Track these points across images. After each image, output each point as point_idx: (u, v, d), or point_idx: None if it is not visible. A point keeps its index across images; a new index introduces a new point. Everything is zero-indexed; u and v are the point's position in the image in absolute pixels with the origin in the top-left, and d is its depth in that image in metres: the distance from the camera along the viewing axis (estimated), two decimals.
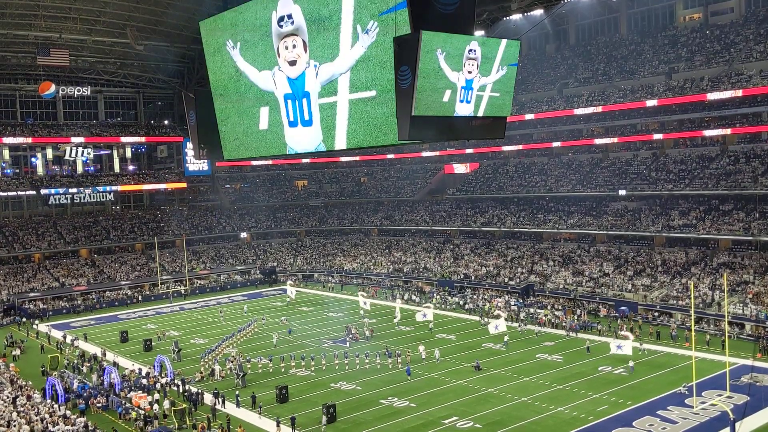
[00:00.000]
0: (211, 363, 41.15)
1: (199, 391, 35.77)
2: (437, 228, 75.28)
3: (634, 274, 54.65)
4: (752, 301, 45.38)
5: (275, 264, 77.95)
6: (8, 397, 31.78)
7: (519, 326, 48.28)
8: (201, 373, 39.35)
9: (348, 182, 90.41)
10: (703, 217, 55.21)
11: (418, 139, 9.67)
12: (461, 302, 57.87)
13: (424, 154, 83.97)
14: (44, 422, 28.06)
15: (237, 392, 35.31)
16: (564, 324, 47.81)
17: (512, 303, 55.28)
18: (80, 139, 74.35)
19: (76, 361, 42.80)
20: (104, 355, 44.86)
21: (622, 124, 65.00)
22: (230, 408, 33.68)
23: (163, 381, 37.83)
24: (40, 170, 74.39)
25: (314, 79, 11.23)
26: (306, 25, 11.13)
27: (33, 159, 74.88)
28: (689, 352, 36.43)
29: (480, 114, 10.18)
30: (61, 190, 72.46)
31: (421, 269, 69.03)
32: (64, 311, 62.68)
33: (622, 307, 50.38)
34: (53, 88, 63.91)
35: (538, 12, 56.64)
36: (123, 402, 34.25)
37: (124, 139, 77.69)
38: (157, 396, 35.06)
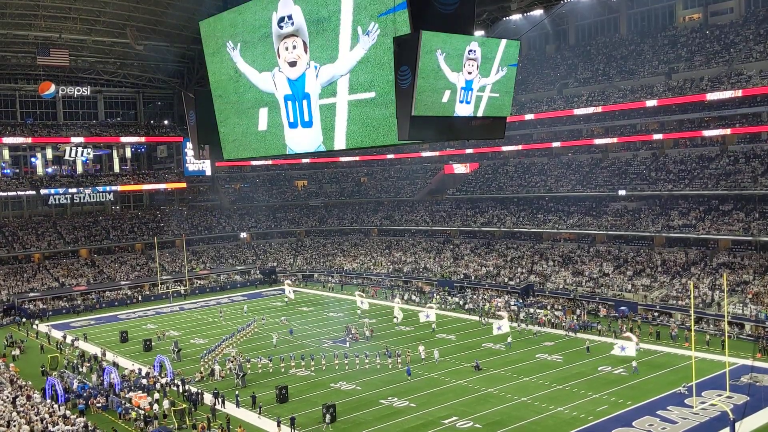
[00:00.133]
0: (210, 363, 41.15)
1: (199, 391, 35.77)
2: (437, 228, 75.29)
3: (634, 274, 54.66)
4: (752, 301, 45.39)
5: (275, 264, 77.96)
6: (8, 397, 31.77)
7: (518, 326, 48.29)
8: (201, 373, 39.36)
9: (348, 182, 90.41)
10: (703, 218, 55.22)
11: (418, 140, 9.68)
12: (461, 302, 57.89)
13: (424, 154, 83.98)
14: (44, 422, 28.05)
15: (237, 392, 35.31)
16: (563, 324, 47.83)
17: (512, 303, 55.29)
18: (80, 139, 74.36)
19: (75, 361, 42.80)
20: (104, 355, 44.86)
21: (622, 125, 65.02)
22: (230, 408, 33.68)
23: (163, 381, 37.83)
24: (39, 170, 74.38)
25: (314, 80, 11.23)
26: (306, 25, 11.13)
27: (33, 159, 74.87)
28: (689, 352, 36.44)
29: (480, 114, 10.18)
30: (60, 190, 72.46)
31: (421, 269, 69.04)
32: (64, 311, 62.69)
33: (622, 307, 50.39)
34: (53, 88, 63.95)
35: (538, 12, 56.65)
36: (123, 402, 34.25)
37: (123, 139, 77.69)
38: (156, 396, 35.07)
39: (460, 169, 79.17)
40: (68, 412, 30.91)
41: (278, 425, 30.15)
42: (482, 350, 42.97)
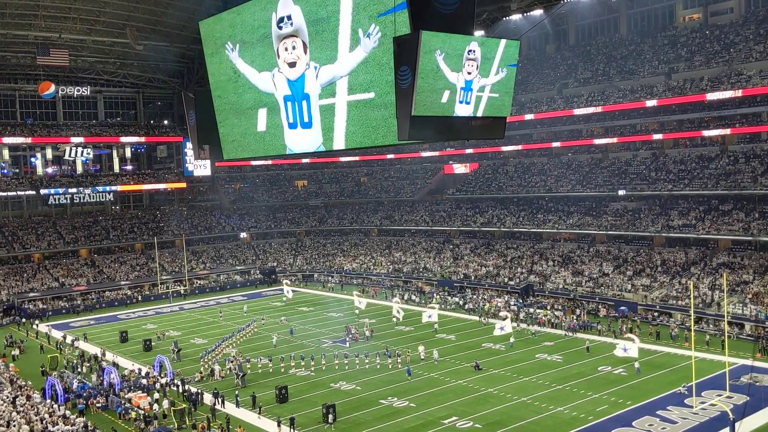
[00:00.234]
0: (210, 363, 41.15)
1: (199, 391, 35.77)
2: (437, 228, 75.29)
3: (634, 274, 54.65)
4: (752, 301, 45.38)
5: (275, 264, 77.95)
6: (8, 397, 31.76)
7: (517, 326, 48.27)
8: (201, 373, 39.35)
9: (348, 182, 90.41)
10: (703, 217, 55.22)
11: (417, 140, 9.68)
12: (461, 302, 57.88)
13: (424, 154, 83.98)
14: (44, 422, 28.05)
15: (237, 392, 35.31)
16: (563, 324, 47.83)
17: (512, 303, 55.29)
18: (80, 139, 74.36)
19: (75, 361, 42.80)
20: (104, 355, 44.84)
21: (622, 125, 65.02)
22: (230, 408, 33.67)
23: (163, 381, 37.82)
24: (39, 170, 74.38)
25: (314, 81, 11.21)
26: (305, 26, 11.11)
27: (32, 159, 74.87)
28: (689, 352, 36.44)
29: (479, 114, 10.18)
30: (60, 190, 72.45)
31: (421, 269, 69.04)
32: (64, 311, 62.68)
33: (622, 307, 50.39)
34: (53, 88, 63.97)
35: (538, 12, 56.63)
36: (122, 402, 34.24)
37: (123, 139, 77.69)
38: (156, 396, 35.07)
39: (460, 169, 79.18)
40: (68, 412, 30.90)
41: (278, 425, 30.15)
42: (482, 350, 42.96)
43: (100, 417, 33.15)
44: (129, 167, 79.82)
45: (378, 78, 10.06)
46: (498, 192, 72.94)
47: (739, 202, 54.64)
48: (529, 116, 70.16)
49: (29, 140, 72.29)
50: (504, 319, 44.21)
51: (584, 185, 65.32)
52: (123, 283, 68.76)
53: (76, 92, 74.93)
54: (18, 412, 29.09)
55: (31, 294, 63.47)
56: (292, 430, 30.15)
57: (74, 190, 73.15)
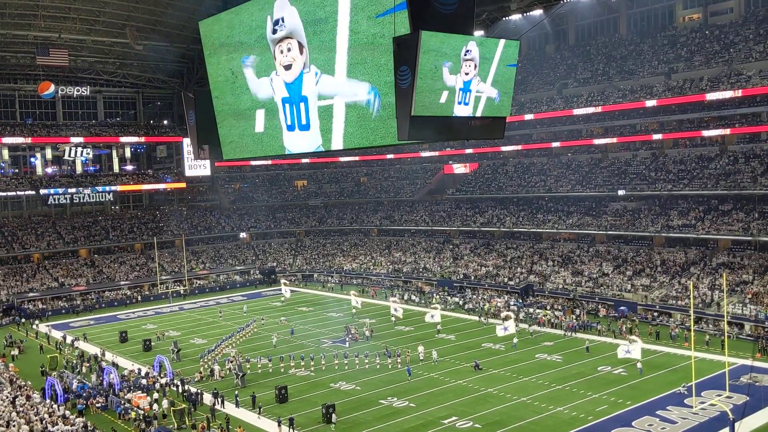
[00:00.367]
0: (210, 363, 41.14)
1: (199, 391, 35.76)
2: (437, 228, 75.29)
3: (634, 274, 54.66)
4: (751, 301, 45.39)
5: (275, 264, 77.95)
6: (7, 397, 31.75)
7: (517, 325, 48.17)
8: (200, 373, 39.35)
9: (347, 182, 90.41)
10: (703, 218, 55.23)
11: (417, 140, 9.66)
12: (461, 302, 57.88)
13: (424, 154, 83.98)
14: (43, 422, 28.04)
15: (236, 392, 35.30)
16: (563, 324, 47.82)
17: (512, 303, 55.29)
18: (79, 139, 74.35)
19: (75, 361, 42.79)
20: (103, 355, 44.84)
21: (622, 125, 65.04)
22: (229, 408, 33.67)
23: (163, 381, 37.81)
24: (39, 170, 74.36)
25: (314, 86, 11.20)
26: (303, 27, 11.10)
27: (32, 159, 74.87)
28: (688, 352, 36.45)
29: (479, 115, 10.17)
30: (60, 190, 72.43)
31: (421, 269, 69.04)
32: (64, 311, 62.67)
33: (622, 307, 50.40)
34: (52, 88, 63.96)
35: (538, 12, 56.65)
36: (122, 402, 34.23)
37: (123, 139, 77.68)
38: (156, 396, 35.06)
39: (459, 169, 79.20)
40: (67, 412, 30.89)
41: (279, 425, 30.14)
42: (482, 350, 42.96)
43: (99, 417, 33.14)
44: (129, 167, 79.82)
45: (376, 79, 10.04)
46: (498, 192, 72.96)
47: (738, 202, 54.64)
48: (528, 116, 70.16)
49: (29, 140, 72.27)
50: (507, 320, 44.13)
51: (584, 185, 65.33)
52: (123, 283, 68.75)
53: (75, 92, 74.94)
54: (17, 412, 29.08)
55: (31, 294, 63.46)
56: (291, 430, 30.14)
57: (74, 190, 73.14)
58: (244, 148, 13.44)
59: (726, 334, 38.90)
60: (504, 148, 73.90)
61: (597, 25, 75.20)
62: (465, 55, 9.49)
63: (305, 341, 47.34)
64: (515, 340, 43.52)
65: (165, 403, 33.90)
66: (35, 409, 30.17)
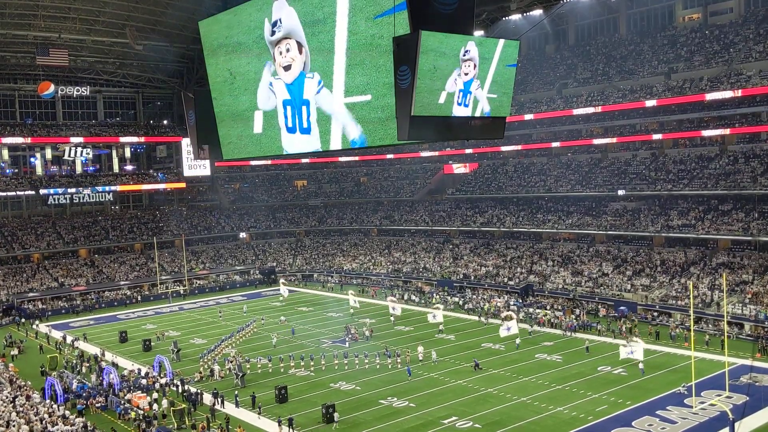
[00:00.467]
0: (210, 363, 41.14)
1: (199, 391, 35.76)
2: (437, 228, 75.28)
3: (634, 274, 54.66)
4: (751, 301, 45.39)
5: (274, 264, 77.93)
6: (7, 397, 31.75)
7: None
8: (200, 373, 39.34)
9: (347, 182, 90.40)
10: (703, 217, 55.23)
11: (417, 140, 9.66)
12: (461, 302, 57.88)
13: (424, 154, 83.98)
14: (43, 422, 28.04)
15: (236, 392, 35.29)
16: (563, 324, 47.81)
17: (511, 303, 55.29)
18: (79, 139, 74.33)
19: (75, 361, 42.78)
20: (103, 355, 44.83)
21: (622, 125, 65.03)
22: (229, 408, 33.67)
23: (163, 381, 37.80)
24: (39, 170, 74.35)
25: (314, 95, 11.20)
26: (301, 27, 11.10)
27: (32, 159, 74.86)
28: (688, 352, 36.45)
29: (478, 115, 10.17)
30: (60, 190, 72.41)
31: (421, 269, 69.04)
32: (64, 311, 62.66)
33: (622, 307, 50.38)
34: (52, 88, 63.92)
35: (538, 12, 56.62)
36: (122, 402, 34.23)
37: (123, 139, 77.66)
38: (156, 396, 35.06)
39: (459, 169, 79.19)
40: (67, 413, 30.90)
41: (279, 425, 30.14)
42: (482, 350, 42.95)
43: (99, 417, 33.14)
44: (128, 167, 79.80)
45: (375, 80, 10.04)
46: (498, 192, 72.95)
47: (738, 202, 54.64)
48: (528, 116, 70.16)
49: (29, 140, 72.26)
50: (509, 320, 44.08)
51: (584, 185, 65.32)
52: (122, 283, 68.74)
53: (75, 92, 74.93)
54: (17, 412, 29.08)
55: (31, 294, 63.45)
56: (291, 430, 30.14)
57: (74, 190, 73.12)
58: (243, 149, 13.44)
59: (726, 334, 38.91)
60: (504, 148, 73.89)
61: (597, 25, 75.20)
62: (464, 55, 9.48)
63: (305, 341, 47.33)
64: (518, 341, 43.48)
65: (165, 403, 33.90)
66: (35, 409, 30.17)
